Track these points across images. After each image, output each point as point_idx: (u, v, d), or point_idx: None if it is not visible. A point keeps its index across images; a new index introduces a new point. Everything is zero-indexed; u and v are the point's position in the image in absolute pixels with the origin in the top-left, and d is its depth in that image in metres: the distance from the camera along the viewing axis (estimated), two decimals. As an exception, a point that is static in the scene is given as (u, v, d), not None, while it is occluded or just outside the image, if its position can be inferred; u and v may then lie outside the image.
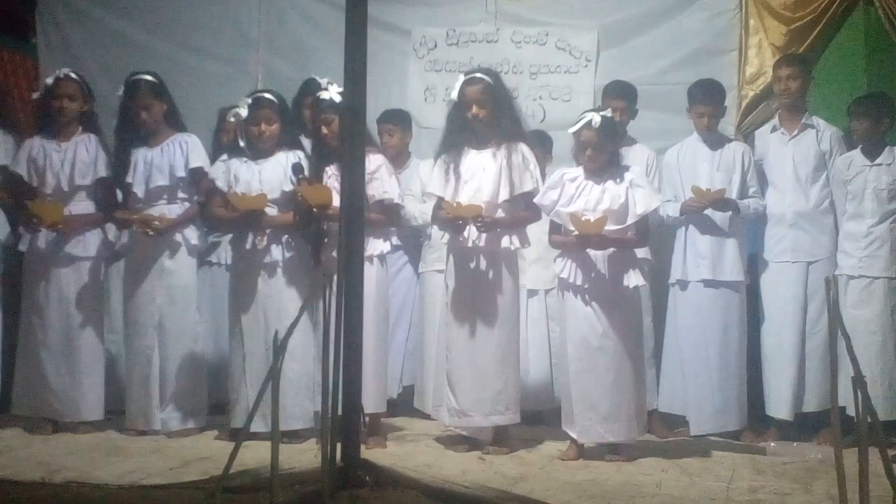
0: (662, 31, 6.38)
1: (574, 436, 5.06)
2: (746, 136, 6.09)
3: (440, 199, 5.24)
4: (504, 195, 5.15)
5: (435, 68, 6.65)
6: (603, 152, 5.07)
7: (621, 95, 5.85)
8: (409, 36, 6.69)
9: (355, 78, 4.09)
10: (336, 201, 5.32)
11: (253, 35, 6.90)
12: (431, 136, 6.15)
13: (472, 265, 5.18)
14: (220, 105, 6.07)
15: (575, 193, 5.09)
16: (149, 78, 5.58)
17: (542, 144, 5.79)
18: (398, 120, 6.22)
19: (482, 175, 5.16)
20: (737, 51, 6.25)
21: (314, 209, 5.23)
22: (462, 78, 5.23)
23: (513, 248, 5.19)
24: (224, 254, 6.05)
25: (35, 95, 5.85)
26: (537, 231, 5.33)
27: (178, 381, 5.53)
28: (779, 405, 5.69)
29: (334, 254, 5.30)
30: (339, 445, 3.93)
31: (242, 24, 6.92)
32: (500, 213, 5.16)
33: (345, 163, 4.19)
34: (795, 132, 5.80)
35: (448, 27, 6.64)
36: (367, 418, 4.82)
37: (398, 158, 6.14)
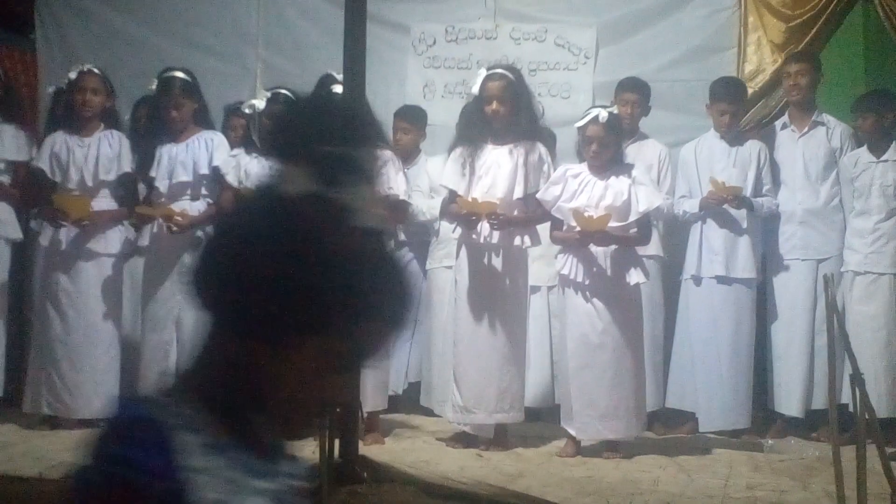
0: (661, 29, 6.36)
1: (573, 433, 5.05)
2: (746, 133, 6.08)
3: (453, 194, 5.18)
4: (518, 193, 5.10)
5: (434, 65, 6.64)
6: (608, 148, 5.05)
7: (635, 89, 5.82)
8: (408, 32, 6.67)
9: (354, 74, 4.09)
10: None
11: (252, 31, 6.88)
12: (431, 132, 6.15)
13: (484, 261, 5.13)
14: (221, 101, 6.06)
15: (578, 189, 5.06)
16: (182, 76, 5.52)
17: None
18: (415, 118, 6.16)
19: (497, 171, 5.10)
20: (735, 48, 6.24)
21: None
22: (484, 72, 5.15)
23: (524, 246, 5.15)
24: None
25: (50, 89, 5.78)
26: (540, 226, 5.28)
27: None
28: (790, 402, 5.68)
29: None
30: (336, 442, 3.93)
31: (241, 20, 6.90)
32: (514, 212, 5.11)
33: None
34: (805, 130, 5.79)
35: (447, 24, 6.62)
36: (365, 415, 4.82)
37: (409, 155, 6.13)
